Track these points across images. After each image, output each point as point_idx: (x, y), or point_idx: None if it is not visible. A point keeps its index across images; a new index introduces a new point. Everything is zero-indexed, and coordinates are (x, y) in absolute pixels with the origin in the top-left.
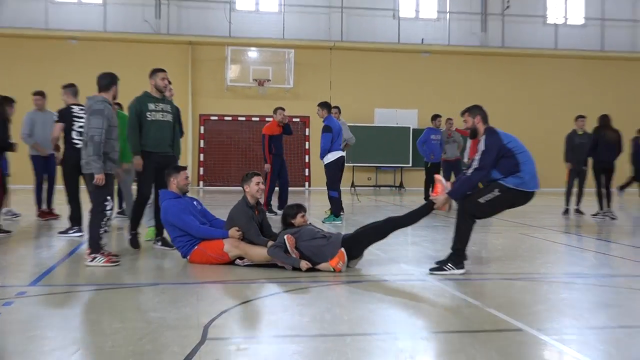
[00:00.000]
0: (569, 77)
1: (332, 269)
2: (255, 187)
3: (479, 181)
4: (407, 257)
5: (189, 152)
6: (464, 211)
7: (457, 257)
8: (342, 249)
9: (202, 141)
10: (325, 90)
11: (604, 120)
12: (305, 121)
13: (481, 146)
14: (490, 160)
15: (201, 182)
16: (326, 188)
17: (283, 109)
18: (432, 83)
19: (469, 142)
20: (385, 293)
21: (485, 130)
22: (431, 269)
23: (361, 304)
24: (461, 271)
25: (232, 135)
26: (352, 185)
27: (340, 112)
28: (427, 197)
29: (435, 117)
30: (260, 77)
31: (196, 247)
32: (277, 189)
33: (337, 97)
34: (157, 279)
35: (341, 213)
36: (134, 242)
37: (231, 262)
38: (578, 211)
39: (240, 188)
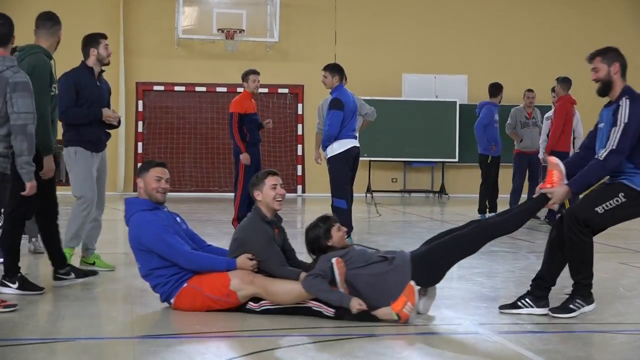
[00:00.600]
0: None
1: (397, 317)
2: (271, 193)
3: (615, 169)
4: (452, 298)
5: (120, 140)
6: (578, 224)
7: (585, 288)
8: (412, 283)
9: (140, 124)
10: (327, 47)
11: None
12: (297, 93)
13: (621, 116)
14: (632, 139)
15: None
16: (330, 195)
17: (257, 73)
18: (491, 36)
19: (545, 125)
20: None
21: (625, 90)
22: (553, 309)
23: None
24: (592, 307)
25: (186, 114)
26: (369, 190)
27: (345, 80)
28: (483, 209)
29: (497, 87)
30: (229, 26)
31: (185, 284)
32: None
33: (345, 56)
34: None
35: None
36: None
37: (240, 307)
38: None
39: (213, 194)
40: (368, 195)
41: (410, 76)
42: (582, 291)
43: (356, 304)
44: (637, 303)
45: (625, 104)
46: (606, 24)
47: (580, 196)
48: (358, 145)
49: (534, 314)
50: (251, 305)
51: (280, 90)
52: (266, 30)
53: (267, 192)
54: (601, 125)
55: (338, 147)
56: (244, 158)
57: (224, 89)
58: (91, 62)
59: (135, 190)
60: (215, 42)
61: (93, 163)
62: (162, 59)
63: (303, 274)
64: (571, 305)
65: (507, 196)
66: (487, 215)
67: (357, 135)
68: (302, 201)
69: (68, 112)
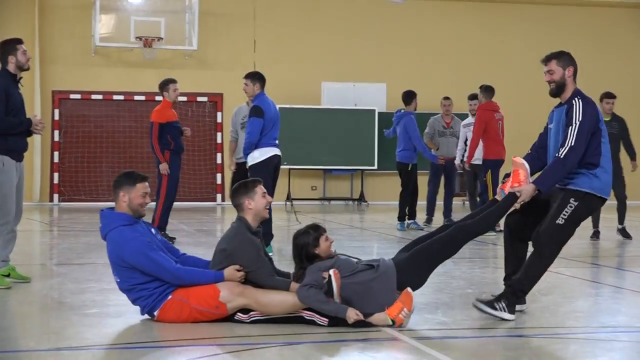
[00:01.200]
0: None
1: (392, 322)
2: (262, 202)
3: (574, 165)
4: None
5: (36, 150)
6: (546, 242)
7: (515, 296)
8: (409, 289)
9: (56, 132)
10: (246, 55)
11: None
12: (216, 101)
13: (575, 115)
14: (586, 137)
15: (55, 196)
16: None
17: (176, 82)
18: (410, 44)
19: (462, 132)
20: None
21: (575, 91)
22: (478, 300)
23: None
24: (512, 317)
25: (103, 122)
26: (289, 198)
27: (262, 86)
28: (402, 216)
29: (409, 95)
30: (147, 34)
31: (170, 296)
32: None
33: (265, 64)
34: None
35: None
36: None
37: (227, 318)
38: (623, 232)
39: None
40: (288, 203)
41: (329, 84)
42: (512, 299)
43: (353, 315)
44: (552, 307)
45: (577, 103)
46: (521, 31)
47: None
48: (279, 153)
49: (504, 319)
50: (240, 316)
51: (199, 99)
52: (185, 38)
53: (259, 200)
54: (551, 125)
55: (259, 155)
56: (163, 168)
57: (142, 97)
58: (11, 68)
59: (51, 200)
60: (133, 50)
61: (16, 174)
62: (78, 67)
63: (294, 284)
64: (496, 304)
65: (424, 203)
66: (407, 222)
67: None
68: (221, 210)
69: (3, 121)
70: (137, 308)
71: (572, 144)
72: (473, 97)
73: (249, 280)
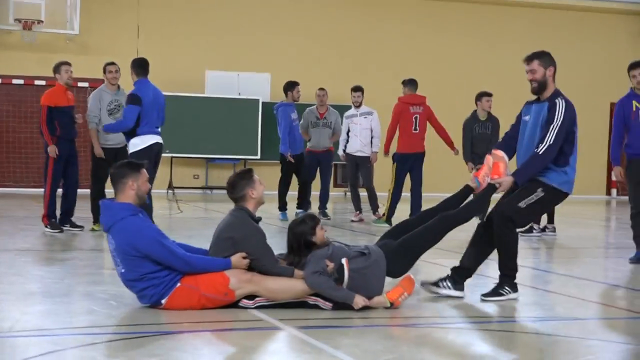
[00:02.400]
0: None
1: (390, 304)
2: (262, 188)
3: (550, 161)
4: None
5: None
6: (504, 219)
7: (510, 279)
8: (410, 275)
9: None
10: (130, 41)
11: None
12: (97, 87)
13: (558, 114)
14: (563, 137)
15: None
16: None
17: (69, 64)
18: (295, 35)
19: (345, 123)
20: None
21: (557, 91)
22: (485, 294)
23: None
24: (517, 295)
25: None
26: (170, 186)
27: (145, 73)
28: (283, 206)
29: (288, 85)
30: (27, 16)
31: (179, 284)
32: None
33: (148, 51)
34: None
35: None
36: None
37: (232, 304)
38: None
39: (8, 190)
40: (169, 191)
41: (213, 73)
42: (509, 281)
43: (360, 301)
44: (433, 297)
45: (560, 104)
46: (404, 28)
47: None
48: (161, 141)
49: (452, 296)
50: (245, 302)
51: (80, 84)
52: (66, 22)
53: (259, 188)
54: (526, 117)
55: (140, 142)
56: (51, 150)
57: (21, 81)
58: None
59: None
60: (12, 32)
61: None
62: None
63: (297, 272)
64: (501, 290)
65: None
66: (297, 211)
67: (160, 131)
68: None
69: None
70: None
71: (551, 142)
72: (356, 89)
73: (252, 267)
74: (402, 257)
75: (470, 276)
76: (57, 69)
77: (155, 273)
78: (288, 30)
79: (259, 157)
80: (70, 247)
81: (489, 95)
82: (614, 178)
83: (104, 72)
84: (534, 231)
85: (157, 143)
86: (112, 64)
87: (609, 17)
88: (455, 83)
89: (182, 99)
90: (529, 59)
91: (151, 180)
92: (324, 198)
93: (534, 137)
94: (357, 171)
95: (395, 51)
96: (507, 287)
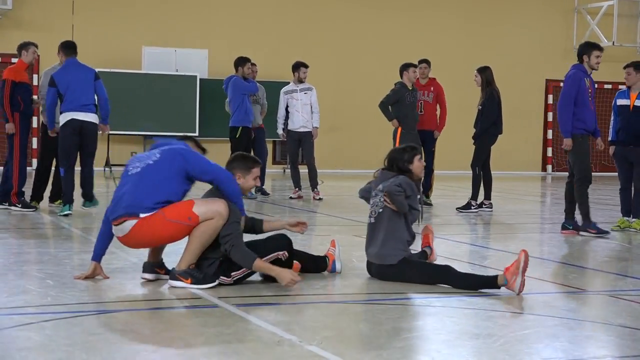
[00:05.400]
0: None
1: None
2: (252, 184)
3: None
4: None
5: None
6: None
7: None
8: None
9: None
10: (64, 17)
11: None
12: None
13: None
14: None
15: None
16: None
17: (36, 45)
18: (233, 10)
19: (285, 100)
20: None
21: None
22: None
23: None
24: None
25: None
26: (107, 164)
27: (71, 53)
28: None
29: (237, 61)
30: None
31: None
32: None
33: (84, 28)
34: None
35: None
36: None
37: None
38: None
39: None
40: (106, 169)
41: (150, 49)
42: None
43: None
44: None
45: None
46: (345, 4)
47: None
48: (82, 118)
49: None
50: (223, 279)
51: (13, 60)
52: None
53: (250, 182)
54: None
55: (61, 119)
56: (9, 127)
57: None
58: None
59: None
60: None
61: None
62: None
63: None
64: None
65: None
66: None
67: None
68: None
69: None
70: None
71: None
72: (304, 65)
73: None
74: (403, 274)
75: None
76: (25, 47)
77: (162, 204)
78: (226, 5)
79: (197, 133)
80: (7, 224)
81: (415, 65)
82: (565, 148)
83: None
84: (472, 207)
85: (74, 119)
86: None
87: None
88: (398, 58)
89: (119, 75)
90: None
91: (88, 155)
92: (261, 175)
93: None
94: (299, 148)
95: (335, 28)
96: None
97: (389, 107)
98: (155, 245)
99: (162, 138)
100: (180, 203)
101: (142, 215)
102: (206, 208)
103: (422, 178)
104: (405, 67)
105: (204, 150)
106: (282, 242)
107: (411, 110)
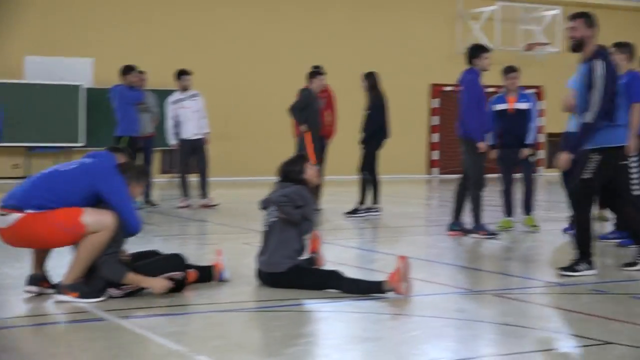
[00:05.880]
0: None
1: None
2: (138, 190)
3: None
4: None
5: None
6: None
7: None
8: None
9: None
10: None
11: None
12: None
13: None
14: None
15: None
16: None
17: None
18: (119, 19)
19: (173, 109)
20: None
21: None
22: (562, 268)
23: None
24: (593, 272)
25: None
26: None
27: None
28: None
29: (123, 69)
30: None
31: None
32: None
33: None
34: None
35: None
36: None
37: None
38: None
39: None
40: None
41: (32, 58)
42: (586, 258)
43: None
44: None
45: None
46: (229, 10)
47: None
48: None
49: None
50: (113, 291)
51: None
52: None
53: (137, 189)
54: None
55: None
56: None
57: None
58: None
59: None
60: None
61: None
62: None
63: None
64: (576, 268)
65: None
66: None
67: None
68: None
69: None
70: None
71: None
72: (186, 72)
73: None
74: (292, 282)
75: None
76: None
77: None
78: (111, 13)
79: (84, 143)
80: None
81: (322, 73)
82: (482, 150)
83: None
84: (360, 212)
85: None
86: None
87: (426, 0)
88: (287, 64)
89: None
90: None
91: None
92: (147, 186)
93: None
94: (191, 156)
95: (224, 34)
96: (584, 264)
97: (300, 111)
98: (35, 247)
99: (95, 150)
100: (69, 209)
101: (28, 211)
102: (94, 219)
103: (320, 184)
104: (313, 74)
105: (132, 158)
106: (176, 261)
107: (319, 116)
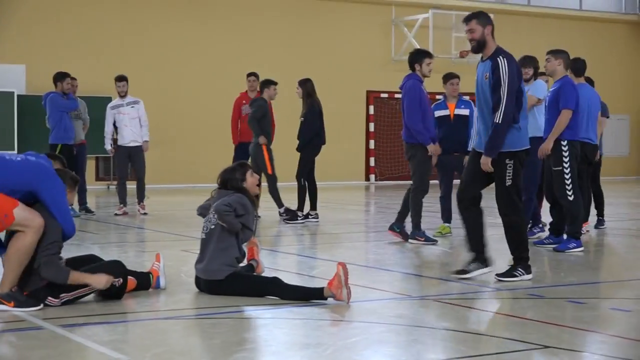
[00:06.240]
0: None
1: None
2: (72, 197)
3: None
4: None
5: None
6: (504, 207)
7: (525, 259)
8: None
9: None
10: None
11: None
12: None
13: (502, 74)
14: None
15: None
16: None
17: None
18: (50, 25)
19: (111, 115)
20: None
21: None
22: (499, 275)
23: None
24: (530, 276)
25: None
26: None
27: None
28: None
29: (62, 76)
30: None
31: None
32: None
33: None
34: None
35: None
36: None
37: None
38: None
39: None
40: None
41: None
42: (523, 263)
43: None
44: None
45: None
46: (162, 16)
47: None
48: None
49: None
50: (51, 300)
51: None
52: None
53: (72, 198)
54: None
55: None
56: None
57: None
58: None
59: None
60: None
61: None
62: None
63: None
64: (515, 273)
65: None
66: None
67: None
68: None
69: None
70: None
71: (504, 106)
72: (121, 78)
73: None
74: (234, 289)
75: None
76: None
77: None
78: (43, 20)
79: (15, 150)
80: None
81: (276, 83)
82: (432, 153)
83: None
84: (298, 218)
85: None
86: None
87: (361, 7)
88: (223, 69)
89: None
90: (467, 19)
91: None
92: (82, 193)
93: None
94: (128, 163)
95: (157, 40)
96: (520, 269)
97: (257, 122)
98: None
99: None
100: (6, 197)
101: None
102: (25, 216)
103: (259, 193)
104: (266, 84)
105: (65, 166)
106: (116, 268)
107: (272, 126)
